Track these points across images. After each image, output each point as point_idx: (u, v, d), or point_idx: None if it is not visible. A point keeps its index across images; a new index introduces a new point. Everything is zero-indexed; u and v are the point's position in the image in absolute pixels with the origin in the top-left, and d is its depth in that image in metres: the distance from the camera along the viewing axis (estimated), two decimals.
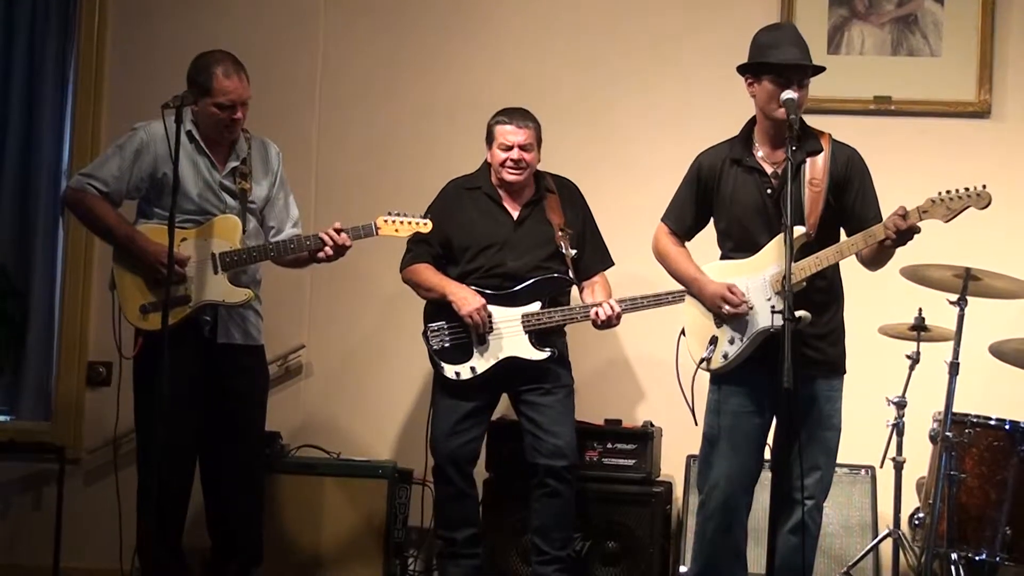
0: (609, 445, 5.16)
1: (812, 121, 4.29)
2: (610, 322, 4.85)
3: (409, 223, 4.72)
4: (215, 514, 4.73)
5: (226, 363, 4.63)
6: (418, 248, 5.02)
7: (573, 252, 4.94)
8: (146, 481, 4.53)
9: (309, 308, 5.79)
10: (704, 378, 4.30)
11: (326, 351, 5.79)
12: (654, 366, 5.32)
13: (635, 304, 4.86)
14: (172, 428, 4.30)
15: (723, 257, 4.33)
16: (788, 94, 4.05)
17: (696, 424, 4.33)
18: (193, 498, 4.73)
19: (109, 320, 4.59)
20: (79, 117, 5.86)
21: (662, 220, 4.45)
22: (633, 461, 5.14)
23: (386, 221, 4.69)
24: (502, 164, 4.95)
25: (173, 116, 4.30)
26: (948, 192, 3.96)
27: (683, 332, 4.36)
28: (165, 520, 4.53)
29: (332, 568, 5.22)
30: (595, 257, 5.06)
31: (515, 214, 5.00)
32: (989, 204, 3.95)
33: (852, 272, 4.29)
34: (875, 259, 4.17)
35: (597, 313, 4.82)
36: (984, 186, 3.93)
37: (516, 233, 4.97)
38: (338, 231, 4.61)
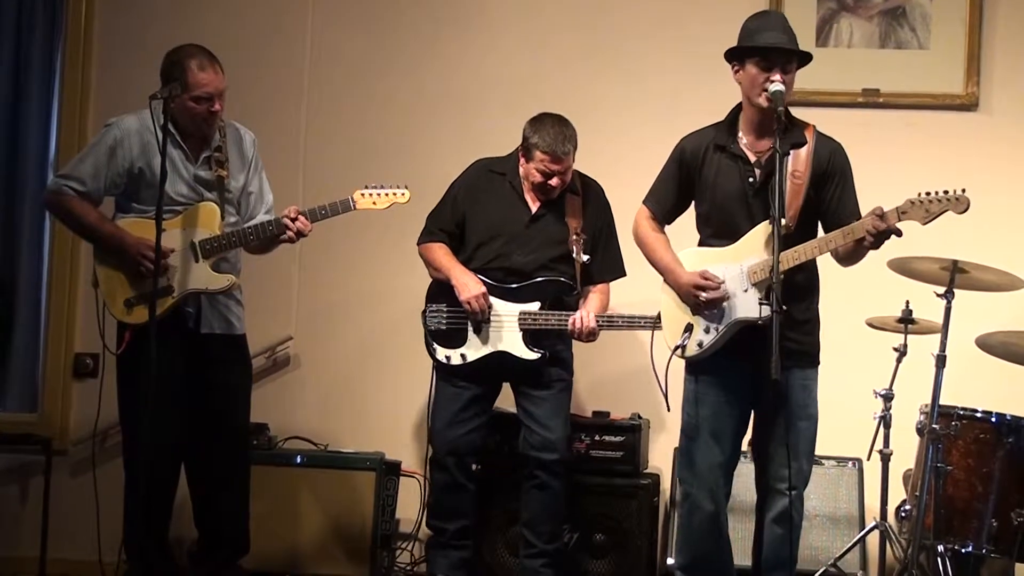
0: (597, 437, 5.16)
1: (799, 113, 4.29)
2: (583, 335, 4.76)
3: (387, 195, 4.68)
4: (201, 505, 4.72)
5: (209, 354, 4.62)
6: (436, 224, 4.99)
7: (585, 258, 4.86)
8: (133, 474, 4.52)
9: (296, 300, 5.78)
10: (679, 364, 4.30)
11: (314, 343, 5.77)
12: (642, 358, 5.28)
13: (611, 323, 4.79)
14: (158, 421, 4.29)
15: (701, 243, 4.32)
16: (775, 86, 4.03)
17: (669, 410, 4.35)
18: (179, 489, 4.72)
19: (95, 314, 4.58)
20: (66, 112, 5.84)
21: (643, 202, 4.43)
22: (621, 453, 5.15)
23: (363, 195, 4.66)
24: (538, 184, 4.85)
25: (159, 107, 4.29)
26: (928, 194, 3.93)
27: (658, 318, 4.37)
28: (151, 512, 4.52)
29: (319, 560, 5.21)
30: (604, 266, 4.95)
31: (534, 208, 4.91)
32: (967, 209, 3.92)
33: (837, 265, 4.28)
34: (850, 256, 4.15)
35: (575, 322, 4.76)
36: (964, 190, 3.91)
37: (529, 229, 4.89)
38: (294, 217, 4.58)
